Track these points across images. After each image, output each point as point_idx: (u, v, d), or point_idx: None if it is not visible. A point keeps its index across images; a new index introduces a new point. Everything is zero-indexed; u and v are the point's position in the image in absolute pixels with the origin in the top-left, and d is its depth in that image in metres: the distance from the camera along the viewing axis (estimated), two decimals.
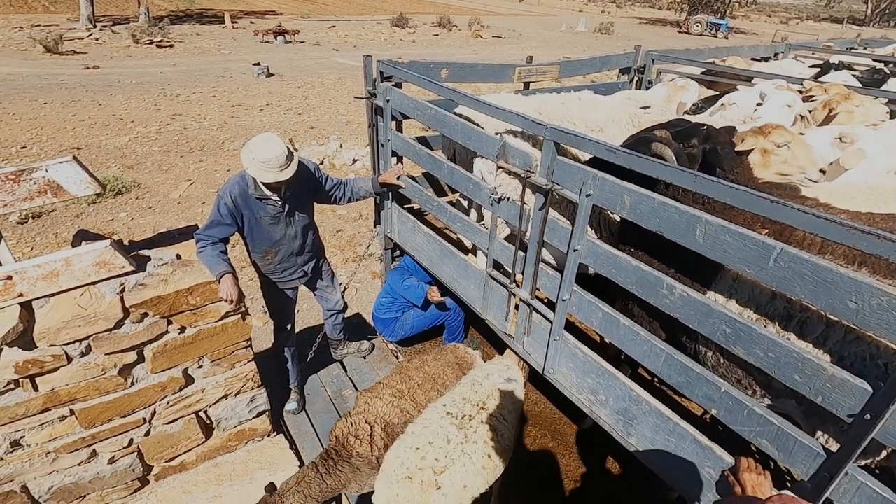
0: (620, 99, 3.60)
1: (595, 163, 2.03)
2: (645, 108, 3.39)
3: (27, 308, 1.97)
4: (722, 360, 1.93)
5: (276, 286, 2.98)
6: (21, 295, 1.93)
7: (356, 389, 3.53)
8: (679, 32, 32.10)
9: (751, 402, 1.63)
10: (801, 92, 3.46)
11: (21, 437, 2.17)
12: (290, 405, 3.33)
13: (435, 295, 3.57)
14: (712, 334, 1.65)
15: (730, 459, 1.72)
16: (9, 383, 2.02)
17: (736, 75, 4.16)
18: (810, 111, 3.20)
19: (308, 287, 3.27)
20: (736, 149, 2.18)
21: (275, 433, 3.07)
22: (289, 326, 3.17)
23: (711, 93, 4.46)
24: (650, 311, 2.09)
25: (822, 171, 2.26)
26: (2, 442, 2.12)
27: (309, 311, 4.76)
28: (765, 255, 1.44)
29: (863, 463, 1.68)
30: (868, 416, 1.31)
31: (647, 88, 4.43)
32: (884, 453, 1.66)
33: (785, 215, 1.35)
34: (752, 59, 5.64)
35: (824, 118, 3.21)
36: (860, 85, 3.97)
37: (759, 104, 3.16)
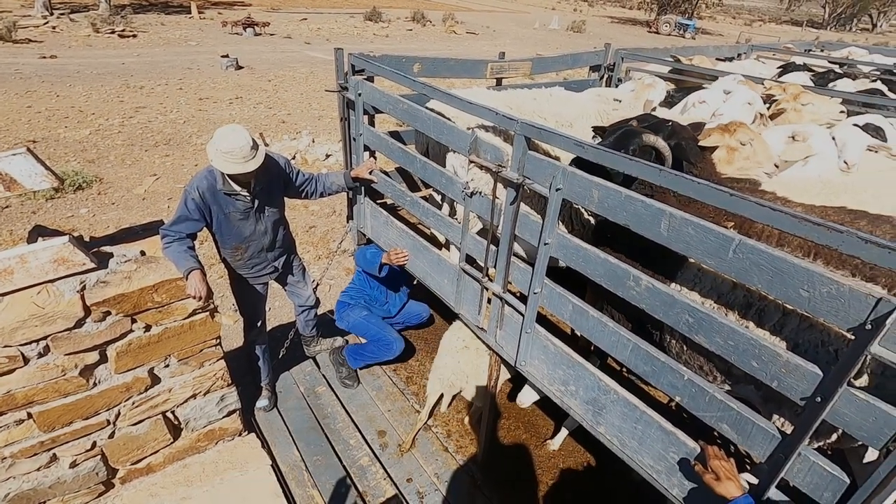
0: (590, 96, 3.66)
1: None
2: (614, 103, 3.45)
3: None
4: (685, 349, 1.99)
5: (247, 282, 2.93)
6: None
7: (329, 386, 3.50)
8: (649, 32, 32.80)
9: (712, 389, 1.70)
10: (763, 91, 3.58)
11: None
12: (262, 403, 3.28)
13: (395, 256, 3.09)
14: (676, 324, 1.71)
15: (693, 444, 1.79)
16: None
17: (701, 74, 4.28)
18: (768, 108, 3.32)
19: (279, 283, 3.22)
20: (700, 144, 2.25)
21: (246, 432, 3.01)
22: (259, 323, 3.12)
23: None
24: (618, 303, 2.15)
25: (777, 167, 2.35)
26: None
27: (281, 309, 4.70)
28: (724, 247, 1.49)
29: (816, 445, 1.76)
30: (819, 399, 1.38)
31: (617, 86, 4.52)
32: (834, 436, 1.75)
33: (742, 208, 1.41)
34: (717, 59, 5.82)
35: (772, 114, 3.33)
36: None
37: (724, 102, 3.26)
